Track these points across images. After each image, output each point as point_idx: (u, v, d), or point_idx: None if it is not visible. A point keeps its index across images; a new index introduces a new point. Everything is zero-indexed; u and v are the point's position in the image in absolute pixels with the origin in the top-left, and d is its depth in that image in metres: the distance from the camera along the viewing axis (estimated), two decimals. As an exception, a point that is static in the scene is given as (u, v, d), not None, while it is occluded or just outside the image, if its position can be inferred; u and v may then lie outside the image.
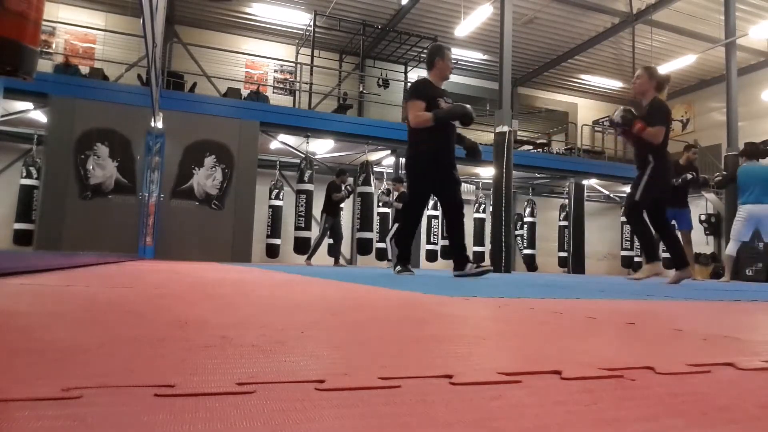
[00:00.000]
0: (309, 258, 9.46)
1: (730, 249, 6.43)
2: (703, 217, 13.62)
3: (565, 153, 14.57)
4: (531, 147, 14.12)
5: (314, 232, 10.58)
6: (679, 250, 4.13)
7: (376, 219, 10.91)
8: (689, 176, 6.72)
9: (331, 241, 10.89)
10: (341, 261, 10.19)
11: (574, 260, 12.10)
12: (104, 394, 0.41)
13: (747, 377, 0.58)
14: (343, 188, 9.18)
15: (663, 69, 12.71)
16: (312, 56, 11.78)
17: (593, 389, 0.49)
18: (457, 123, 4.29)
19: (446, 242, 12.02)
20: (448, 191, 4.27)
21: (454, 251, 4.24)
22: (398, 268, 4.39)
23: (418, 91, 4.20)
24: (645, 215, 4.07)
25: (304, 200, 9.91)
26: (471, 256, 13.31)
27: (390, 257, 10.36)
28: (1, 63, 1.11)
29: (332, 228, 9.36)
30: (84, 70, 9.66)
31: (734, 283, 5.90)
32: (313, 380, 0.47)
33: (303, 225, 9.95)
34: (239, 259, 8.56)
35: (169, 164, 8.37)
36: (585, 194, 12.77)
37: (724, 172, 7.03)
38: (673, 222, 7.16)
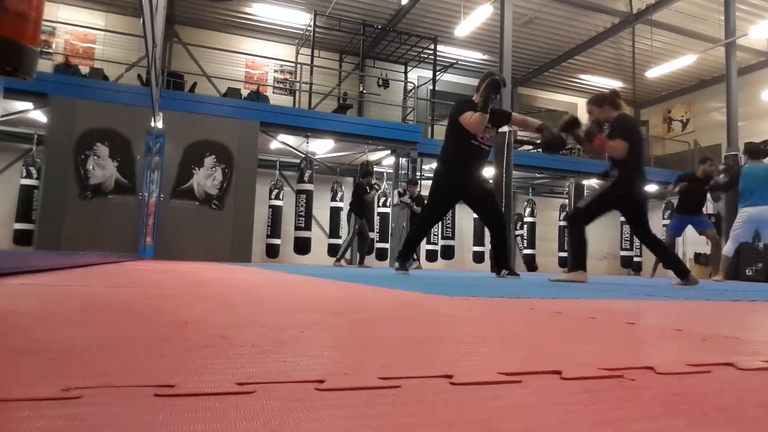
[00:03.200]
0: (339, 259, 9.45)
1: (728, 250, 6.51)
2: (708, 220, 13.60)
3: (565, 153, 14.56)
4: (531, 147, 14.12)
5: (314, 232, 10.59)
6: (673, 260, 4.12)
7: (376, 219, 10.91)
8: (713, 182, 6.79)
9: (335, 240, 10.93)
10: (364, 262, 10.20)
11: (574, 260, 12.07)
12: (104, 394, 0.41)
13: (747, 377, 0.58)
14: (371, 188, 9.24)
15: (663, 69, 12.74)
16: (312, 56, 11.78)
17: (593, 389, 0.49)
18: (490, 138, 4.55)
19: (446, 242, 12.09)
20: (490, 203, 4.65)
21: (505, 256, 4.75)
22: (397, 265, 4.74)
23: (464, 106, 4.47)
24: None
25: (304, 200, 9.91)
26: (471, 256, 13.33)
27: (416, 258, 10.45)
28: (1, 63, 1.11)
29: (360, 229, 9.41)
30: (84, 70, 9.65)
31: (728, 283, 5.93)
32: (313, 380, 0.47)
33: (303, 225, 9.95)
34: (239, 259, 8.56)
35: (169, 164, 8.37)
36: (585, 194, 12.77)
37: (723, 171, 7.00)
38: (686, 229, 7.23)
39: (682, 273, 3.96)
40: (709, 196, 7.28)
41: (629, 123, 4.11)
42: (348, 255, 13.06)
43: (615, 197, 4.02)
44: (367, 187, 9.21)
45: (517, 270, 5.62)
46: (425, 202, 6.28)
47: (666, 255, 4.16)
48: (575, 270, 4.01)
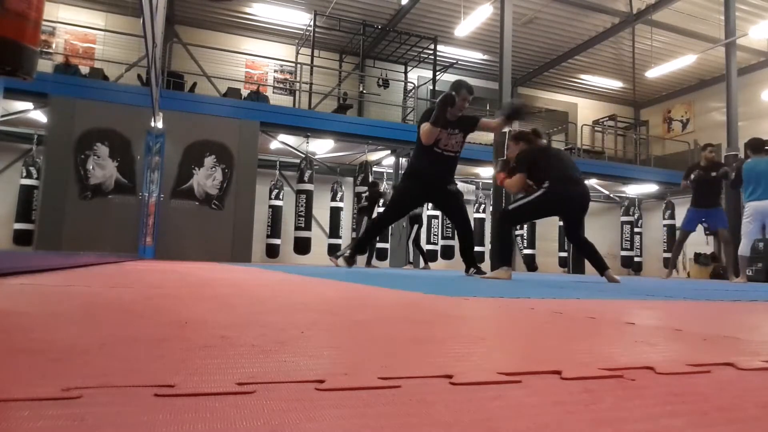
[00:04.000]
0: (339, 257, 9.47)
1: (743, 249, 6.32)
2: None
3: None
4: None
5: (314, 233, 10.59)
6: (597, 257, 4.30)
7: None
8: (722, 170, 6.61)
9: (335, 240, 10.94)
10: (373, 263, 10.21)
11: (574, 260, 12.09)
12: (104, 394, 0.41)
13: (747, 377, 0.58)
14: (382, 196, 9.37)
15: (663, 69, 12.74)
16: (312, 56, 11.78)
17: (593, 389, 0.49)
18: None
19: (446, 242, 12.09)
20: (453, 205, 4.84)
21: (471, 255, 4.89)
22: (344, 254, 5.11)
23: (427, 115, 4.60)
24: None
25: (304, 200, 9.91)
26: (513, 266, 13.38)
27: (411, 260, 10.46)
28: (1, 63, 1.11)
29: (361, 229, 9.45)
30: (84, 70, 9.65)
31: (749, 284, 5.83)
32: (313, 380, 0.47)
33: (303, 225, 9.95)
34: (239, 259, 8.56)
35: (169, 164, 8.37)
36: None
37: (729, 171, 6.85)
38: (704, 223, 7.01)
39: (600, 270, 4.29)
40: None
41: (527, 154, 4.35)
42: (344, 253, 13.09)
43: (543, 203, 4.24)
44: (381, 200, 9.34)
45: (517, 270, 5.68)
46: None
47: (592, 254, 4.33)
48: (500, 267, 4.23)
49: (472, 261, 4.89)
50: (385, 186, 10.42)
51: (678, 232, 7.22)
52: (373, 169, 10.85)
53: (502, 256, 4.28)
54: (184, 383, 0.44)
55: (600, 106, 17.09)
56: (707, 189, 6.76)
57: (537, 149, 4.38)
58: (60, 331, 0.76)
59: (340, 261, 4.95)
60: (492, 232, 4.57)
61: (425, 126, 4.50)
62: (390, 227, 11.25)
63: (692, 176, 6.89)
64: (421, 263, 9.96)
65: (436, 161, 4.67)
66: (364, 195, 9.62)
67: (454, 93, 4.49)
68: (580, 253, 4.45)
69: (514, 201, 4.40)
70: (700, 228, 7.35)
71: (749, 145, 6.46)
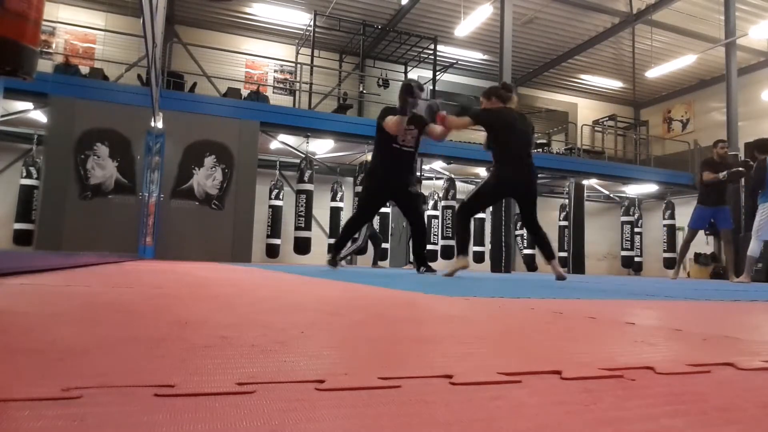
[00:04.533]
0: (340, 259, 9.45)
1: (753, 249, 6.24)
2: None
3: (565, 153, 14.56)
4: (531, 147, 14.09)
5: (314, 232, 10.58)
6: (547, 246, 4.37)
7: (375, 219, 10.89)
8: (734, 169, 6.49)
9: (335, 240, 10.95)
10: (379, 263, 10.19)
11: (574, 260, 12.09)
12: (104, 394, 0.41)
13: (747, 377, 0.58)
14: None
15: (663, 69, 12.74)
16: (312, 56, 11.78)
17: (593, 389, 0.49)
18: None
19: (446, 242, 12.08)
20: (411, 205, 5.08)
21: (422, 254, 5.18)
22: (329, 258, 5.45)
23: (386, 114, 4.89)
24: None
25: (304, 200, 9.91)
26: (471, 256, 13.35)
27: (411, 260, 10.44)
28: (1, 63, 1.11)
29: (372, 232, 9.42)
30: (84, 70, 9.65)
31: (752, 284, 5.79)
32: (313, 380, 0.47)
33: (303, 225, 9.95)
34: (239, 259, 8.56)
35: (169, 164, 8.36)
36: (585, 194, 12.77)
37: (743, 172, 6.75)
38: (708, 224, 6.94)
39: (548, 258, 4.37)
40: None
41: (492, 113, 4.39)
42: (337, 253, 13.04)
43: (489, 189, 4.39)
44: None
45: (517, 270, 5.76)
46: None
47: (541, 242, 4.38)
48: (457, 257, 4.35)
49: (423, 261, 5.15)
50: None
51: (686, 231, 7.10)
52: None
53: (459, 247, 4.45)
54: (184, 383, 0.44)
55: (600, 106, 17.09)
56: (716, 187, 6.67)
57: (502, 115, 4.36)
58: (60, 331, 0.76)
59: (329, 266, 5.17)
60: (453, 224, 4.73)
61: (390, 117, 4.75)
62: (390, 227, 11.26)
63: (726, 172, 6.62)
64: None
65: (395, 156, 4.92)
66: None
67: (412, 83, 4.76)
68: (532, 240, 4.52)
69: (469, 193, 4.52)
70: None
71: (757, 147, 6.43)
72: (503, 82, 4.74)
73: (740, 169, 6.63)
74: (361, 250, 9.67)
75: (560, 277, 4.29)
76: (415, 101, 4.76)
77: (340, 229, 5.56)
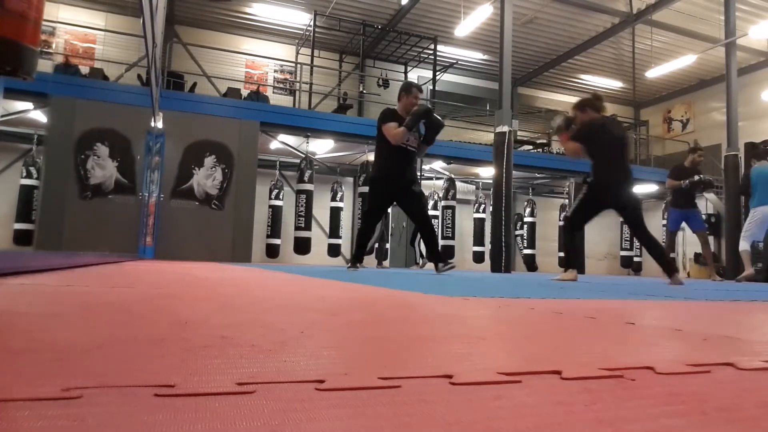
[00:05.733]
0: (358, 262, 9.44)
1: (743, 246, 6.62)
2: (703, 217, 13.61)
3: (565, 153, 14.54)
4: (531, 147, 14.10)
5: (314, 232, 10.58)
6: (664, 259, 4.28)
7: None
8: (696, 178, 6.78)
9: (335, 240, 10.96)
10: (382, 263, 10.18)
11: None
12: (104, 394, 0.41)
13: (747, 377, 0.58)
14: None
15: (663, 69, 12.74)
16: (312, 56, 11.77)
17: (593, 389, 0.49)
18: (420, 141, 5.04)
19: (446, 242, 12.08)
20: (414, 204, 5.09)
21: (435, 252, 5.12)
22: (349, 266, 5.37)
23: (388, 116, 4.97)
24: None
25: (304, 200, 9.91)
26: (471, 256, 13.35)
27: (418, 260, 10.47)
28: (1, 63, 1.11)
29: (381, 229, 9.41)
30: (84, 70, 9.65)
31: (752, 283, 6.00)
32: (313, 380, 0.47)
33: (303, 225, 9.95)
34: (239, 259, 8.56)
35: (169, 164, 8.36)
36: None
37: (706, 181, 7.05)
38: (684, 225, 7.22)
39: (669, 272, 4.18)
40: (709, 196, 7.36)
41: (591, 127, 4.34)
42: (348, 255, 13.02)
43: (590, 200, 4.34)
44: None
45: (517, 270, 5.76)
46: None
47: (657, 252, 4.27)
48: (567, 270, 4.35)
49: (439, 258, 5.09)
50: None
51: (666, 235, 7.41)
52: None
53: (568, 260, 4.45)
54: (184, 383, 0.44)
55: (600, 106, 17.07)
56: (687, 191, 6.97)
57: (596, 127, 4.33)
58: (60, 331, 0.76)
59: (349, 270, 5.19)
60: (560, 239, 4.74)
61: (398, 129, 4.83)
62: (390, 227, 11.27)
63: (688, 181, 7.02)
64: (420, 262, 9.97)
65: (399, 155, 4.96)
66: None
67: (431, 110, 4.93)
68: (645, 248, 4.38)
69: (570, 207, 4.57)
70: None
71: (754, 154, 6.71)
72: (595, 93, 4.69)
73: (701, 179, 6.83)
74: (371, 249, 9.68)
75: (676, 283, 4.10)
76: (411, 106, 4.96)
77: (355, 238, 5.54)
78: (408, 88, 5.11)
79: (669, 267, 4.18)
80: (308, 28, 12.34)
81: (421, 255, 9.84)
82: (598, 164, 4.29)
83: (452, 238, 12.20)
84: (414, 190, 5.04)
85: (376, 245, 9.62)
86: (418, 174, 11.07)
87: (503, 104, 8.62)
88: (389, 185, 5.05)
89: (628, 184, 4.33)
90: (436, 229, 5.23)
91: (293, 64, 12.97)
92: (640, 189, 13.95)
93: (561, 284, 3.57)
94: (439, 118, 5.00)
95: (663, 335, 0.95)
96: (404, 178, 5.01)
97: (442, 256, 5.10)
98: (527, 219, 13.52)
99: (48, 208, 7.73)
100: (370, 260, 11.82)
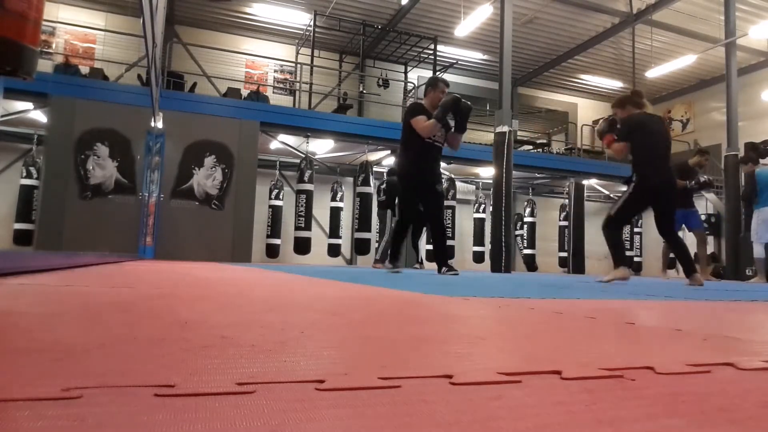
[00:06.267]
0: (381, 260, 9.34)
1: (758, 252, 6.73)
2: (703, 217, 13.62)
3: (565, 153, 14.55)
4: (531, 147, 14.10)
5: (314, 232, 10.58)
6: (687, 259, 4.20)
7: (374, 219, 10.91)
8: (702, 179, 6.87)
9: (335, 240, 10.95)
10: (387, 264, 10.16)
11: (574, 260, 12.09)
12: (104, 394, 0.41)
13: (747, 377, 0.58)
14: None
15: (663, 69, 12.73)
16: (312, 56, 11.77)
17: (593, 389, 0.49)
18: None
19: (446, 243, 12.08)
20: (432, 202, 5.00)
21: (441, 254, 5.03)
22: (389, 266, 5.22)
23: (417, 111, 4.92)
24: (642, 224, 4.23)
25: (304, 200, 9.90)
26: (471, 256, 13.34)
27: (420, 260, 10.46)
28: (1, 63, 1.11)
29: (385, 225, 9.37)
30: (84, 70, 9.65)
31: (761, 284, 6.06)
32: (313, 380, 0.47)
33: (303, 225, 9.95)
34: (239, 259, 8.56)
35: (169, 164, 8.36)
36: (585, 194, 12.76)
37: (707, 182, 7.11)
38: (683, 225, 7.25)
39: (689, 271, 4.10)
40: (709, 196, 7.39)
41: (631, 123, 4.22)
42: (348, 255, 13.03)
43: (636, 200, 4.19)
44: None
45: (517, 270, 5.72)
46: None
47: (685, 254, 4.22)
48: (616, 267, 4.17)
49: (444, 261, 5.01)
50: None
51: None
52: (374, 169, 10.84)
53: (617, 258, 4.28)
54: (184, 383, 0.44)
55: (600, 106, 17.08)
56: (687, 191, 7.01)
57: (637, 122, 4.23)
58: (60, 331, 0.76)
59: (391, 271, 5.05)
60: (605, 239, 4.54)
61: (428, 122, 4.76)
62: (388, 227, 11.24)
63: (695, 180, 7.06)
64: (422, 262, 9.95)
65: (428, 151, 4.92)
66: (381, 188, 9.53)
67: (461, 100, 4.79)
68: (670, 249, 4.32)
69: (614, 205, 4.34)
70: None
71: (757, 154, 6.74)
72: (634, 89, 4.55)
73: (707, 180, 6.94)
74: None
75: (697, 283, 4.05)
76: (438, 101, 4.89)
77: (389, 237, 5.48)
78: (434, 83, 5.06)
79: (691, 267, 4.13)
80: (308, 28, 12.34)
81: (420, 261, 9.80)
82: (643, 162, 4.12)
83: (452, 238, 12.20)
84: (437, 188, 4.97)
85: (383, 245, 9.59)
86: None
87: (503, 104, 8.62)
88: (417, 181, 4.95)
89: (674, 184, 4.27)
90: (447, 232, 5.20)
91: (293, 64, 12.96)
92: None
93: (605, 285, 3.58)
94: (467, 102, 4.88)
95: (663, 335, 0.95)
96: (432, 175, 4.96)
97: (447, 260, 4.98)
98: (527, 219, 13.52)
99: (48, 208, 7.73)
100: (369, 260, 11.83)
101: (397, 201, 9.08)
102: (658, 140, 4.21)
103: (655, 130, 4.24)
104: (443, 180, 5.14)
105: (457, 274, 4.79)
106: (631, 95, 4.41)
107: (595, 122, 16.33)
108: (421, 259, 9.80)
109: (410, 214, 5.21)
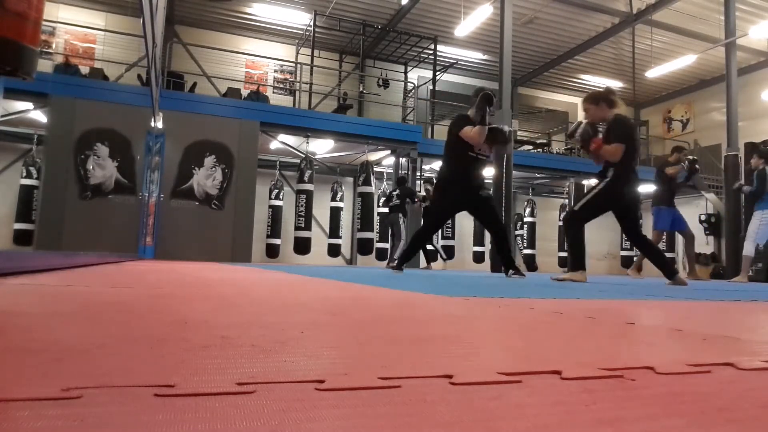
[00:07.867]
0: (400, 267, 9.38)
1: (748, 249, 6.64)
2: (703, 217, 13.61)
3: (565, 153, 14.55)
4: (531, 147, 14.10)
5: (314, 232, 10.58)
6: (662, 261, 4.13)
7: (376, 219, 10.92)
8: (692, 157, 6.92)
9: (335, 240, 10.97)
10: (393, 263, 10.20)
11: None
12: (104, 394, 0.41)
13: (747, 377, 0.58)
14: (422, 200, 9.30)
15: (663, 69, 12.73)
16: (312, 56, 11.77)
17: (593, 389, 0.49)
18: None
19: (446, 242, 12.08)
20: (488, 211, 4.95)
21: (507, 257, 4.97)
22: (394, 266, 5.25)
23: (462, 122, 4.80)
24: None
25: (304, 200, 9.91)
26: (471, 256, 13.33)
27: (442, 255, 10.49)
28: (1, 63, 1.11)
29: (399, 230, 9.39)
30: (84, 70, 9.65)
31: (748, 284, 6.01)
32: (313, 380, 0.47)
33: (303, 225, 9.95)
34: (239, 259, 8.56)
35: (169, 164, 8.36)
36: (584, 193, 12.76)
37: (744, 184, 7.06)
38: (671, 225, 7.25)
39: (670, 273, 4.01)
40: (709, 196, 7.38)
41: (626, 125, 4.15)
42: (348, 255, 13.03)
43: (609, 198, 4.06)
44: (419, 202, 9.29)
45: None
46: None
47: (655, 254, 4.17)
48: (575, 270, 4.06)
49: (511, 264, 4.94)
50: (422, 184, 10.34)
51: (653, 234, 7.35)
52: (374, 169, 10.84)
53: (576, 259, 4.11)
54: (184, 383, 0.44)
55: (600, 106, 17.08)
56: (671, 189, 7.12)
57: (632, 126, 4.12)
58: (60, 331, 0.76)
59: (395, 272, 5.03)
60: (565, 235, 4.33)
61: (475, 128, 4.63)
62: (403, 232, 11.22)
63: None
64: (423, 263, 9.95)
65: (472, 165, 4.82)
66: (394, 193, 9.53)
67: (490, 92, 4.70)
68: (640, 250, 4.26)
69: (578, 200, 4.24)
70: (701, 228, 7.52)
71: (763, 154, 6.71)
72: (608, 87, 4.41)
73: (694, 165, 7.11)
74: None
75: (680, 284, 3.94)
76: (492, 111, 4.77)
77: (411, 242, 5.42)
78: (484, 98, 4.86)
79: (669, 269, 4.04)
80: (308, 28, 12.34)
81: (425, 255, 9.77)
82: (625, 165, 3.97)
83: (452, 238, 12.21)
84: (482, 195, 4.92)
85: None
86: (418, 174, 11.09)
87: (503, 104, 8.62)
88: (464, 194, 4.86)
89: (638, 197, 4.25)
90: (509, 235, 5.12)
91: (293, 64, 12.96)
92: (640, 189, 13.95)
93: (561, 284, 3.52)
94: (505, 131, 4.86)
95: (663, 335, 0.95)
96: (478, 187, 4.89)
97: (513, 263, 4.96)
98: (527, 219, 13.52)
99: (48, 208, 7.73)
100: (369, 261, 11.83)
101: (424, 208, 9.13)
102: (638, 147, 4.17)
103: (637, 137, 4.20)
104: (486, 187, 5.12)
105: (524, 277, 4.77)
106: (605, 93, 4.22)
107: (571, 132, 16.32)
108: (425, 262, 9.79)
109: (441, 223, 5.25)
